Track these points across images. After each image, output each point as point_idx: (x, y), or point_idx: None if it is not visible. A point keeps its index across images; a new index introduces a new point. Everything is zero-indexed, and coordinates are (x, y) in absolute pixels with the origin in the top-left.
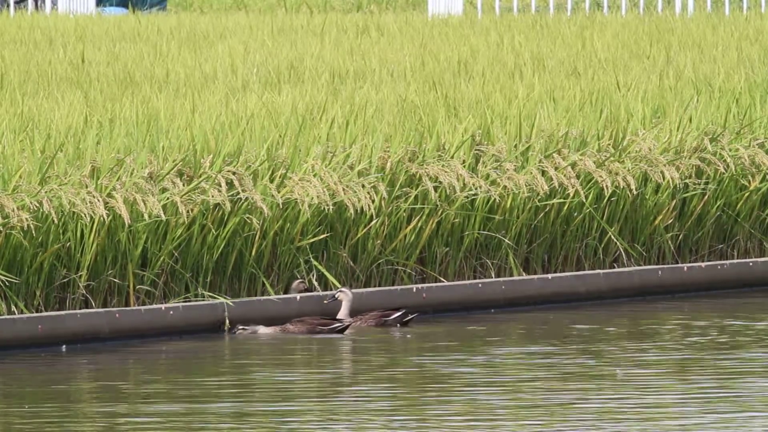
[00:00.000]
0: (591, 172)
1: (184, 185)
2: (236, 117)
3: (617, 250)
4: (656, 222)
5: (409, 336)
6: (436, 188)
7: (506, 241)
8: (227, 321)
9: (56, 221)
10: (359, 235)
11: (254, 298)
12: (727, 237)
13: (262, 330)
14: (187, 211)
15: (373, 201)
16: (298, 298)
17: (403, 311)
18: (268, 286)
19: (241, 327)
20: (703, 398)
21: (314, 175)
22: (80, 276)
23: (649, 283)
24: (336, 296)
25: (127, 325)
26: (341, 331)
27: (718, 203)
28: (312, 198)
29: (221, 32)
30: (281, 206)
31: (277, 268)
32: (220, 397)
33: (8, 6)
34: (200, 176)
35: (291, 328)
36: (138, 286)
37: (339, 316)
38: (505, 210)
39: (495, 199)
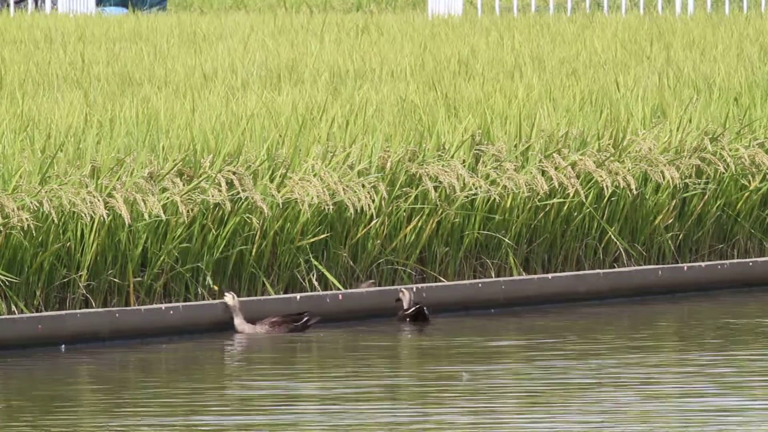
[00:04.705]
0: (591, 172)
1: (184, 185)
2: (236, 117)
3: (617, 250)
4: (656, 222)
5: (409, 336)
6: (436, 188)
7: (506, 240)
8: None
9: (56, 221)
10: (359, 235)
11: (254, 298)
12: (727, 237)
13: (249, 329)
14: (187, 211)
15: (373, 201)
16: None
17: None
18: (268, 285)
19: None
20: (704, 398)
21: (314, 175)
22: (80, 276)
23: (649, 283)
24: (399, 297)
25: (127, 325)
26: (307, 325)
27: (718, 203)
28: (312, 198)
29: (221, 32)
30: (281, 206)
31: (277, 267)
32: (220, 406)
33: (8, 6)
34: (200, 176)
35: (268, 329)
36: (138, 287)
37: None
38: (505, 210)
39: (495, 199)
